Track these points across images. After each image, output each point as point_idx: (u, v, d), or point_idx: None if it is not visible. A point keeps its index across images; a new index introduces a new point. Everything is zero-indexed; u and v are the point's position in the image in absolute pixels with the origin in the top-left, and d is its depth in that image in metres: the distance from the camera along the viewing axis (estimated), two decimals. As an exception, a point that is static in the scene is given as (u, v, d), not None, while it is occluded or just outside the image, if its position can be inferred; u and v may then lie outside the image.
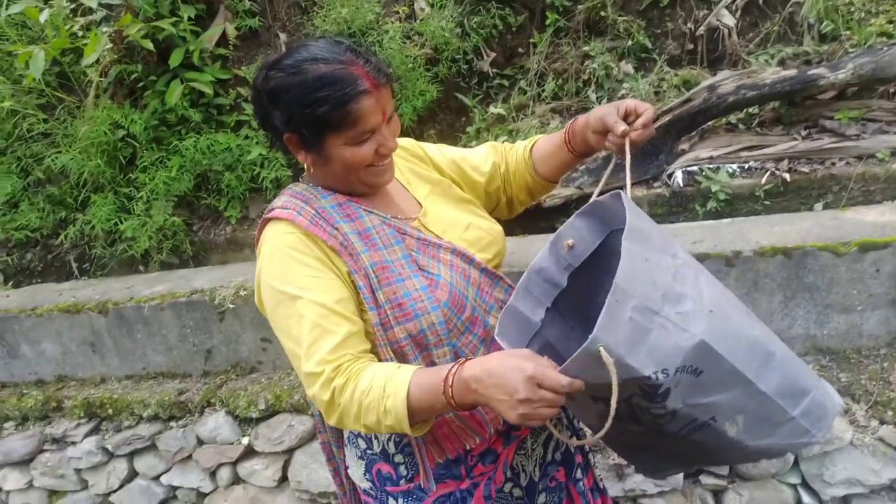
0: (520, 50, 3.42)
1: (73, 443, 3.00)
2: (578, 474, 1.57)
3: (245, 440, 2.77)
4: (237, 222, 3.40)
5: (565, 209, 2.88)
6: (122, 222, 3.30)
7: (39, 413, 3.05)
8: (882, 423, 2.09)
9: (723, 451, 1.20)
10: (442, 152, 1.56)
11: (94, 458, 2.99)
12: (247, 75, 3.41)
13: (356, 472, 1.48)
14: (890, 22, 2.77)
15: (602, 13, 3.21)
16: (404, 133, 3.34)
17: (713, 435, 1.14)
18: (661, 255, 1.12)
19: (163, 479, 2.98)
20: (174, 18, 3.26)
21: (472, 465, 1.38)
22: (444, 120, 3.45)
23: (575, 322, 1.38)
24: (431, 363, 1.28)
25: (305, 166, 1.32)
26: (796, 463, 2.19)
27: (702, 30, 3.07)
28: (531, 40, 3.35)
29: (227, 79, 3.47)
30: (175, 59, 3.27)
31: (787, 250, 2.19)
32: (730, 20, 3.05)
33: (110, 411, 2.91)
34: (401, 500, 1.40)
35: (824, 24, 2.86)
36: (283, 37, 3.56)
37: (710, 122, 2.80)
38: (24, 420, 3.11)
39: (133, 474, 3.05)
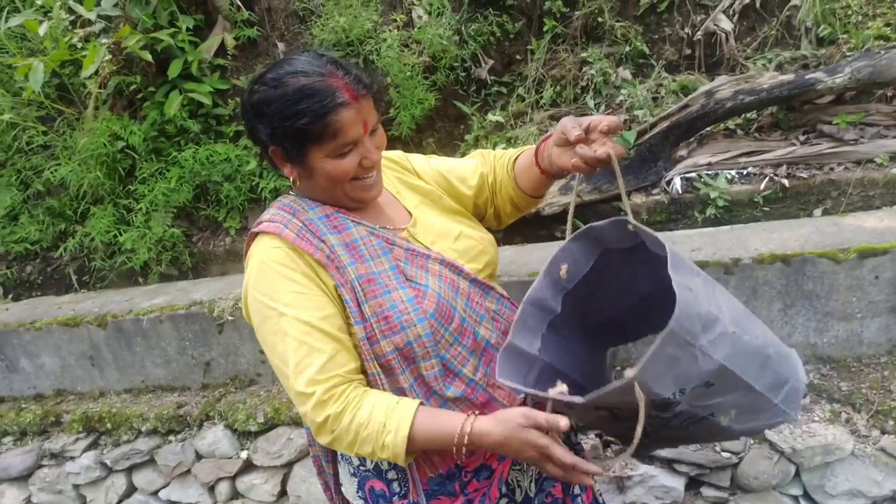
0: (517, 57, 3.41)
1: (72, 458, 3.00)
2: (577, 490, 1.55)
3: (244, 454, 2.76)
4: (236, 233, 3.39)
5: (564, 217, 2.85)
6: (121, 234, 3.30)
7: (38, 428, 3.05)
8: (883, 432, 2.06)
9: (711, 436, 1.31)
10: (430, 164, 1.55)
11: (93, 474, 2.98)
12: (245, 85, 3.41)
13: (349, 489, 1.47)
14: (887, 25, 2.76)
15: (599, 19, 3.20)
16: (404, 141, 3.35)
17: (708, 425, 1.21)
18: (693, 277, 1.14)
19: (161, 494, 2.97)
20: (172, 29, 3.27)
21: (466, 482, 1.37)
22: (442, 128, 3.44)
23: (567, 331, 1.38)
24: (419, 376, 1.27)
25: (291, 180, 1.31)
26: (797, 475, 2.16)
27: (699, 35, 3.06)
28: (529, 47, 3.35)
29: (225, 89, 3.48)
30: (174, 70, 3.28)
31: (787, 257, 2.17)
32: (727, 25, 3.03)
33: (109, 425, 2.90)
34: None
35: (821, 27, 2.85)
36: (281, 46, 3.57)
37: (708, 128, 2.79)
38: (23, 435, 3.11)
39: (132, 489, 3.04)
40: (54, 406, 3.08)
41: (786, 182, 2.55)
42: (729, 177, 2.65)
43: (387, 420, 1.16)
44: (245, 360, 2.86)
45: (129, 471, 3.01)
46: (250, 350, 2.83)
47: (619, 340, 1.69)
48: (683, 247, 2.35)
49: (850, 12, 2.86)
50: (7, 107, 3.57)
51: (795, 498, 2.21)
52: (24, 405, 3.16)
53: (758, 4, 3.03)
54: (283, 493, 2.80)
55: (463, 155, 1.64)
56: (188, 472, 2.88)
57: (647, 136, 2.75)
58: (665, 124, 2.72)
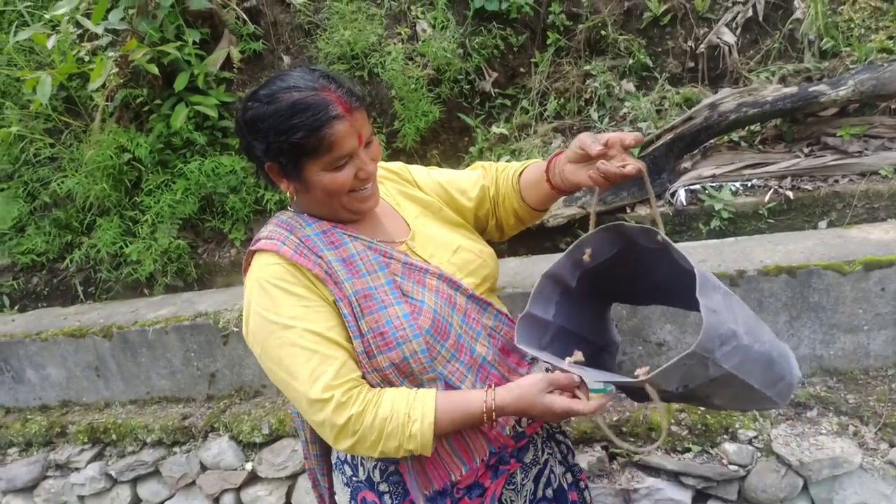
0: (521, 70, 3.43)
1: (77, 469, 2.99)
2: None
3: (249, 465, 2.75)
4: (241, 244, 3.40)
5: (569, 229, 2.88)
6: (127, 245, 3.31)
7: (43, 439, 3.05)
8: (892, 445, 2.05)
9: (700, 404, 1.40)
10: (430, 175, 1.55)
11: (98, 485, 2.97)
12: (250, 98, 3.43)
13: (342, 498, 1.48)
14: (890, 38, 2.77)
15: (602, 32, 3.22)
16: (408, 153, 3.37)
17: (701, 403, 1.32)
18: (715, 293, 1.17)
19: (166, 505, 2.97)
20: (179, 43, 3.29)
21: (458, 498, 1.36)
22: (446, 140, 3.46)
23: (579, 295, 1.41)
24: (419, 387, 1.27)
25: (289, 195, 1.32)
26: (805, 488, 2.15)
27: (702, 48, 3.07)
28: (532, 60, 3.37)
29: (231, 102, 3.49)
30: (180, 83, 3.30)
31: (792, 269, 2.17)
32: (730, 38, 3.05)
33: (114, 436, 2.90)
34: None
35: (824, 40, 2.86)
36: (286, 59, 3.59)
37: (712, 140, 2.80)
38: (28, 446, 3.11)
39: (136, 501, 3.04)
40: (60, 417, 3.09)
41: (790, 194, 2.55)
42: (733, 189, 2.66)
43: (410, 410, 1.17)
44: (250, 371, 2.86)
45: (134, 482, 3.00)
46: (255, 361, 2.81)
47: (628, 300, 1.81)
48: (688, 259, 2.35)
49: (852, 25, 2.87)
50: (15, 119, 3.60)
51: (803, 511, 2.20)
52: (29, 416, 3.16)
53: (760, 18, 3.05)
54: (287, 504, 2.79)
55: (467, 167, 1.64)
56: (193, 483, 2.87)
57: (651, 149, 2.76)
58: (669, 136, 2.73)
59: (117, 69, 3.44)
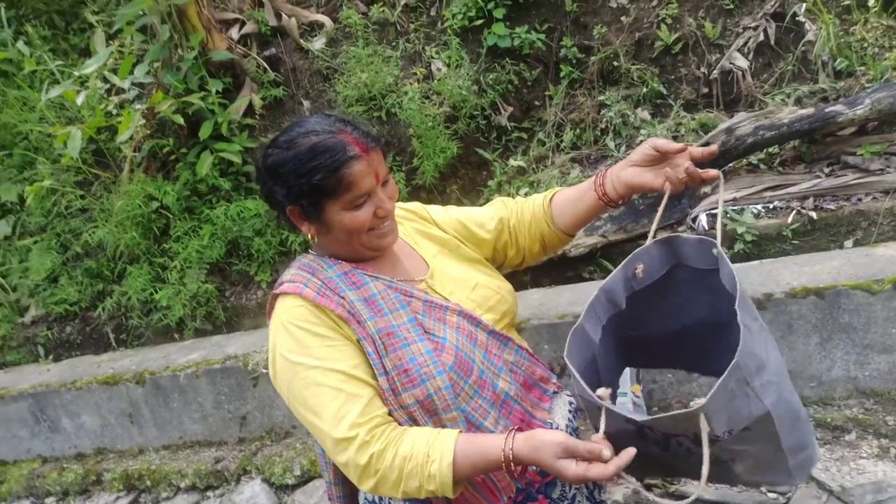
0: (536, 103, 3.49)
1: (113, 515, 3.03)
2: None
3: (282, 507, 2.76)
4: (267, 286, 3.45)
5: (591, 258, 2.88)
6: (157, 292, 3.38)
7: (79, 487, 3.08)
8: (936, 466, 2.01)
9: (713, 476, 1.27)
10: (448, 213, 1.57)
11: (134, 531, 3.00)
12: (272, 143, 3.52)
13: None
14: (905, 55, 2.78)
15: (615, 63, 3.27)
16: (428, 189, 3.42)
17: (723, 468, 1.21)
18: (753, 321, 1.16)
19: (202, 549, 2.98)
20: (203, 93, 3.40)
21: None
22: (465, 175, 3.50)
23: (612, 334, 1.39)
24: (442, 427, 1.27)
25: (310, 237, 1.35)
26: (848, 512, 2.10)
27: (715, 73, 3.10)
28: (547, 93, 3.42)
29: (254, 147, 3.59)
30: (205, 132, 3.40)
31: (820, 290, 2.15)
32: (743, 62, 3.07)
33: (148, 483, 2.93)
34: None
35: (838, 61, 2.87)
36: (306, 104, 3.69)
37: (730, 164, 2.80)
38: (65, 495, 3.14)
39: (172, 546, 3.05)
40: (95, 465, 3.12)
41: (813, 214, 2.54)
42: (755, 211, 2.65)
43: (430, 450, 1.15)
44: (280, 412, 2.88)
45: (169, 529, 3.02)
46: (285, 402, 2.84)
47: (642, 363, 1.74)
48: (714, 284, 2.34)
49: (865, 45, 2.88)
50: (47, 173, 3.72)
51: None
52: (65, 465, 3.20)
53: (772, 41, 3.08)
54: (321, 546, 2.78)
55: (486, 200, 1.67)
56: (227, 527, 2.88)
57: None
58: (687, 162, 2.74)
59: (144, 121, 3.56)
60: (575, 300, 2.59)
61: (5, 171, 4.00)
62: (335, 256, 1.37)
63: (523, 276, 2.99)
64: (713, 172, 1.25)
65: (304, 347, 1.24)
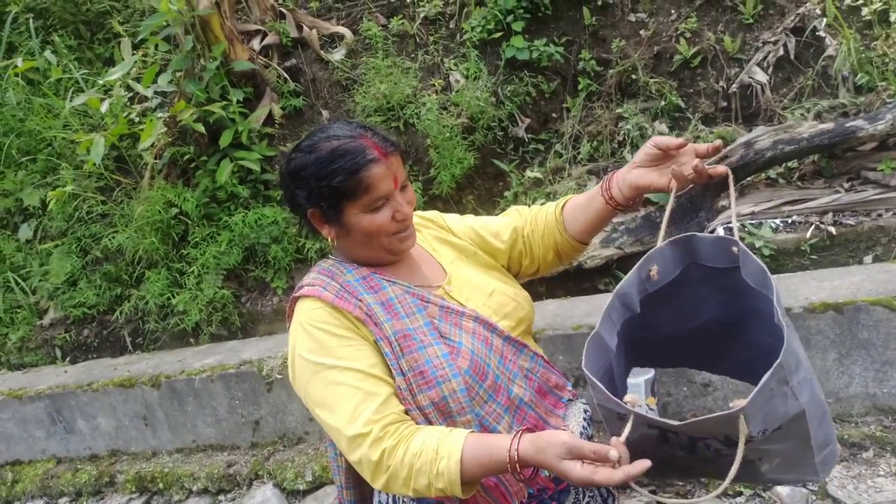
0: (553, 115, 3.50)
1: (125, 518, 3.04)
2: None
3: (293, 513, 2.76)
4: (283, 293, 3.48)
5: (607, 270, 2.88)
6: (174, 297, 3.42)
7: (93, 488, 3.10)
8: (957, 486, 1.97)
9: (740, 476, 1.20)
10: (464, 222, 1.59)
11: (145, 534, 3.01)
12: (291, 152, 3.55)
13: None
14: (927, 71, 2.76)
15: (633, 76, 3.28)
16: (444, 199, 3.44)
17: (749, 467, 1.17)
18: (783, 316, 1.13)
19: (212, 553, 2.98)
20: (224, 102, 3.45)
21: None
22: (482, 186, 3.51)
23: (624, 337, 1.37)
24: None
25: (330, 241, 1.37)
26: (866, 531, 2.06)
27: (734, 87, 3.10)
28: (564, 105, 3.43)
29: (273, 156, 3.63)
30: (225, 140, 3.44)
31: (839, 306, 2.13)
32: (762, 77, 3.07)
33: (161, 485, 2.94)
34: None
35: (859, 76, 2.86)
36: (325, 114, 3.73)
37: (749, 178, 2.79)
38: (78, 495, 3.16)
39: (183, 549, 3.06)
40: (108, 466, 3.14)
41: (832, 229, 2.52)
42: (773, 225, 2.64)
43: (439, 447, 1.15)
44: (293, 418, 2.89)
45: (180, 532, 3.03)
46: (298, 408, 2.86)
47: (648, 363, 1.68)
48: (730, 297, 2.32)
49: (887, 60, 2.87)
50: (70, 179, 3.78)
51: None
52: (79, 466, 3.23)
53: (792, 56, 3.07)
54: (331, 553, 2.78)
55: (502, 211, 1.68)
56: (238, 533, 2.89)
57: (687, 188, 2.76)
58: (705, 175, 2.73)
59: (166, 129, 3.61)
60: (590, 311, 2.58)
61: (29, 176, 4.07)
62: (354, 261, 1.39)
63: (538, 286, 2.99)
64: (721, 169, 1.25)
65: (323, 348, 1.26)
